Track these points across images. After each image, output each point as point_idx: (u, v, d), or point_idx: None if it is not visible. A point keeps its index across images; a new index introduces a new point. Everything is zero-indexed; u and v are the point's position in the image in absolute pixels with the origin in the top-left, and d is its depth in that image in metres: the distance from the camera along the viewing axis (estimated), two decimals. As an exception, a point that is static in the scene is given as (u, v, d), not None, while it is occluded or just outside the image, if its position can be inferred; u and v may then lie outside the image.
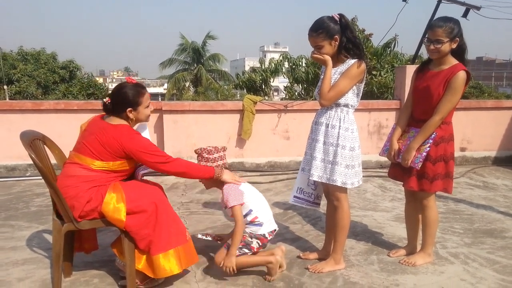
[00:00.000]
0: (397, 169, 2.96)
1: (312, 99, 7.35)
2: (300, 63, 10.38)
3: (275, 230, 2.77)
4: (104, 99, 2.54)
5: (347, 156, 2.66)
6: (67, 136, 3.64)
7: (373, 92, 8.53)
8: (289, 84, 10.80)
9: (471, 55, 3.15)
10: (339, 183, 2.67)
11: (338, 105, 2.69)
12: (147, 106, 2.58)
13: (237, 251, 2.63)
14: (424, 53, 8.97)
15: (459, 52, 2.71)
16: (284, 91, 11.73)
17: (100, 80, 43.11)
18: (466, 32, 2.70)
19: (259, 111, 5.80)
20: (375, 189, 4.97)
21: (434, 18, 5.92)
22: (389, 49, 9.11)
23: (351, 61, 2.63)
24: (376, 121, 6.21)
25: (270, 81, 11.19)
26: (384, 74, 8.70)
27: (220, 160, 2.76)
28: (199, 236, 2.84)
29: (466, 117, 6.28)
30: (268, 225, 2.71)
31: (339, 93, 2.63)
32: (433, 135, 2.72)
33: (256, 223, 2.68)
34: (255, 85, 11.03)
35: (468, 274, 2.82)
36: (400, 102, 6.08)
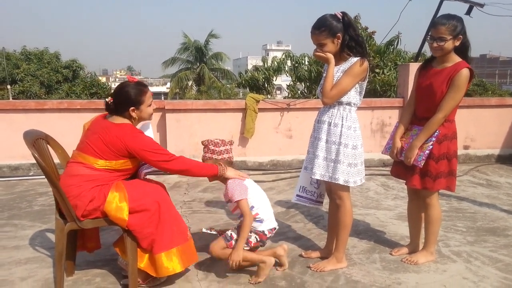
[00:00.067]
0: (400, 167, 2.96)
1: (315, 98, 7.33)
2: (303, 61, 10.36)
3: (275, 228, 2.77)
4: (107, 99, 2.54)
5: (349, 155, 2.66)
6: (70, 135, 3.65)
7: (376, 90, 8.50)
8: (291, 83, 10.78)
9: (474, 52, 3.14)
10: (341, 182, 2.66)
11: (340, 103, 2.68)
12: (150, 105, 2.58)
13: (235, 243, 2.62)
14: (427, 51, 8.92)
15: (463, 50, 2.69)
16: (286, 90, 11.72)
17: (103, 79, 43.22)
18: (470, 30, 2.70)
19: (262, 109, 5.80)
20: (377, 187, 4.96)
21: (437, 15, 5.89)
22: (392, 46, 9.07)
23: (354, 59, 2.62)
24: (379, 119, 6.19)
25: (272, 80, 11.18)
26: (387, 72, 8.67)
27: (226, 153, 2.75)
28: (204, 230, 2.82)
29: (470, 115, 6.26)
30: (268, 223, 2.71)
31: (342, 91, 2.63)
32: (436, 133, 2.71)
33: (257, 219, 2.67)
34: (257, 83, 11.02)
35: (471, 273, 2.81)
36: (403, 100, 6.06)
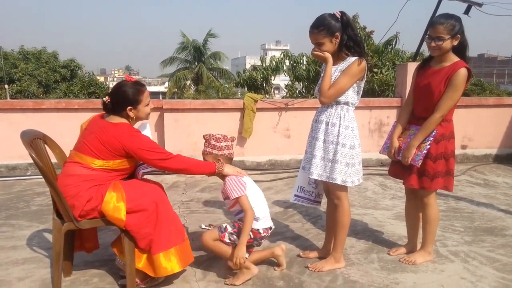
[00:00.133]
0: (398, 167, 2.96)
1: (313, 97, 7.34)
2: (301, 61, 10.37)
3: (270, 228, 2.75)
4: (104, 98, 2.54)
5: (347, 154, 2.66)
6: (67, 135, 3.64)
7: (374, 89, 8.51)
8: (290, 82, 10.80)
9: (472, 52, 3.14)
10: (339, 182, 2.66)
11: (338, 103, 2.68)
12: (147, 104, 2.58)
13: (227, 237, 2.62)
14: (425, 51, 8.93)
15: (461, 49, 2.70)
16: (285, 89, 11.73)
17: (101, 79, 43.16)
18: (468, 29, 2.70)
19: (260, 109, 5.80)
20: (375, 187, 4.96)
21: (436, 15, 5.90)
22: (390, 46, 9.08)
23: (352, 59, 2.62)
24: (377, 119, 6.20)
25: (271, 79, 11.20)
26: (385, 72, 8.68)
27: (227, 149, 2.74)
28: (203, 226, 2.81)
29: (467, 115, 6.26)
30: (264, 222, 2.70)
31: (339, 91, 2.63)
32: (433, 133, 2.71)
33: None
34: (256, 83, 11.03)
35: (468, 273, 2.81)
36: (401, 100, 6.07)
